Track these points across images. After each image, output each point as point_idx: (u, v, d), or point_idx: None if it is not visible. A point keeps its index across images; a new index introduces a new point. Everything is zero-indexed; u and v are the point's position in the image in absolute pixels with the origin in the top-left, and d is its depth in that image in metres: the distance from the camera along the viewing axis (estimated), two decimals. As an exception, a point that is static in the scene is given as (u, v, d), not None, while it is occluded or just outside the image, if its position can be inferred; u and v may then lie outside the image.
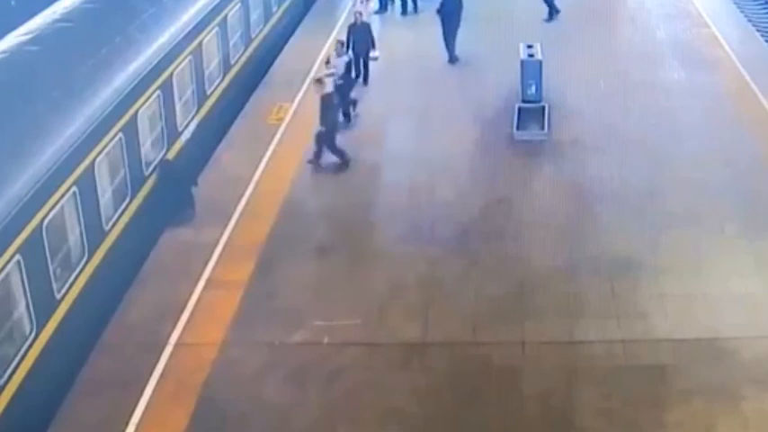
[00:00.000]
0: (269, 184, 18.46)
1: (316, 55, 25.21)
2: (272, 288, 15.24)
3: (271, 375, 13.27)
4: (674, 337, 13.65)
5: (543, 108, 20.82)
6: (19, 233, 12.35)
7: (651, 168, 18.41)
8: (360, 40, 23.21)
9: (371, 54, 23.45)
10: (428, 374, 13.17)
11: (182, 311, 14.65)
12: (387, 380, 13.12)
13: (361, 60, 23.32)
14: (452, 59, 24.69)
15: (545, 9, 27.47)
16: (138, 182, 16.48)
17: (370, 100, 22.43)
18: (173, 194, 17.31)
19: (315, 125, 20.95)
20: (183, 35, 18.85)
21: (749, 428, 11.92)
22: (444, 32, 24.81)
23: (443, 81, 23.49)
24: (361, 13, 23.63)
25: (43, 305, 12.96)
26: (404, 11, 28.74)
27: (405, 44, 26.37)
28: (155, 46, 17.63)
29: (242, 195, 18.01)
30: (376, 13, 28.21)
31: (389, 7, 28.93)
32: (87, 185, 14.41)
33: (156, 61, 17.39)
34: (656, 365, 13.10)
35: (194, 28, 19.54)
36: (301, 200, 17.98)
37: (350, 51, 22.67)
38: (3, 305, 12.17)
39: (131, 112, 16.20)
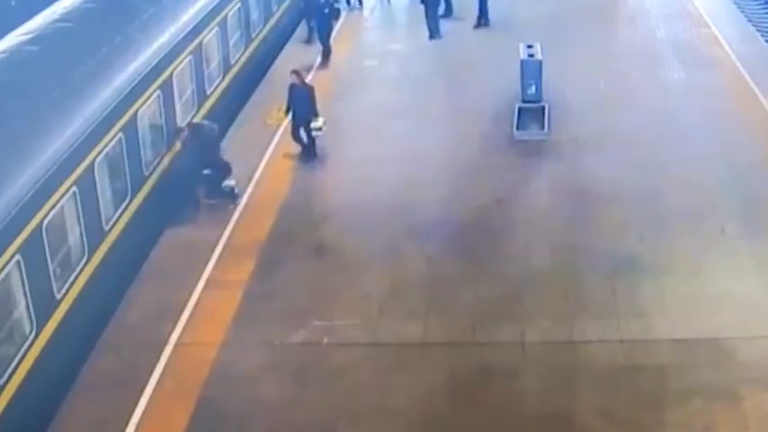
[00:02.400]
0: (269, 184, 18.45)
1: (315, 55, 25.25)
2: (272, 288, 15.24)
3: (271, 375, 13.27)
4: (674, 337, 13.65)
5: (543, 108, 20.82)
6: (19, 233, 12.34)
7: (651, 168, 18.40)
8: (299, 105, 19.34)
9: (313, 124, 19.21)
10: (428, 374, 13.17)
11: (182, 311, 14.65)
12: (387, 380, 13.11)
13: (303, 132, 19.35)
14: (433, 35, 26.31)
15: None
16: (137, 182, 16.47)
17: (370, 99, 22.44)
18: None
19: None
20: (183, 35, 18.84)
21: (749, 428, 11.91)
22: (426, 13, 26.36)
23: (443, 81, 23.49)
24: (298, 72, 19.76)
25: (43, 305, 12.96)
26: (308, 39, 26.32)
27: (403, 45, 26.41)
28: (155, 46, 17.62)
29: (242, 195, 18.00)
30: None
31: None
32: (87, 185, 14.41)
33: (156, 61, 17.39)
34: (656, 365, 13.09)
35: (194, 28, 19.53)
36: (301, 200, 17.98)
37: (289, 116, 19.64)
38: (3, 305, 12.16)
39: (131, 112, 16.20)
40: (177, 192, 17.45)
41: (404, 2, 29.56)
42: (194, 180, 17.82)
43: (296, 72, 19.77)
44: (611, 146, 19.46)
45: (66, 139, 13.97)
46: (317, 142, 19.53)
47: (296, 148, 19.63)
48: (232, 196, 17.74)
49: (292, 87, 19.53)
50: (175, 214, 17.14)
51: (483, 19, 27.23)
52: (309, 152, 19.38)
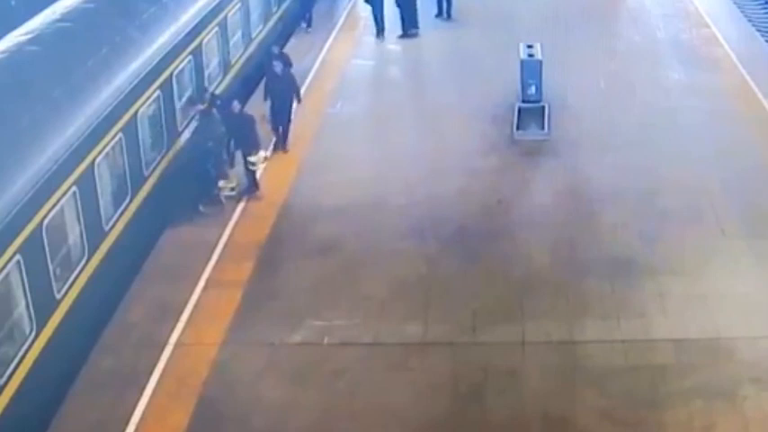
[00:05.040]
0: (269, 184, 18.42)
1: (316, 54, 25.26)
2: (272, 288, 15.24)
3: (271, 375, 13.27)
4: (674, 337, 13.65)
5: (543, 108, 20.81)
6: (19, 233, 12.35)
7: (651, 168, 18.40)
8: (237, 135, 17.94)
9: (251, 158, 17.70)
10: (428, 374, 13.17)
11: (182, 311, 14.65)
12: (387, 380, 13.12)
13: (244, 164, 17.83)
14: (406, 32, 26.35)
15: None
16: (137, 182, 16.47)
17: (370, 100, 22.43)
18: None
19: (315, 125, 21.03)
20: (183, 35, 18.83)
21: (749, 428, 11.92)
22: (402, 12, 26.43)
23: (442, 81, 23.49)
24: (235, 101, 18.29)
25: (43, 305, 12.96)
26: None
27: (403, 45, 26.40)
28: (155, 46, 17.62)
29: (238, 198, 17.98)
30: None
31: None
32: (87, 185, 14.41)
33: (156, 61, 17.39)
34: (656, 365, 13.09)
35: (194, 28, 19.52)
36: (301, 200, 17.96)
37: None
38: (3, 305, 12.17)
39: (131, 112, 16.20)
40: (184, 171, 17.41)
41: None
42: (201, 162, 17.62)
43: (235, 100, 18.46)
44: (611, 146, 19.46)
45: (66, 139, 13.97)
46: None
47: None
48: (221, 201, 17.57)
49: (230, 115, 17.97)
50: (176, 214, 17.14)
51: (412, 28, 26.74)
52: (249, 187, 17.90)
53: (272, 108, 19.71)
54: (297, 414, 12.54)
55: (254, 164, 17.84)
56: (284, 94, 19.79)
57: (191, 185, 17.49)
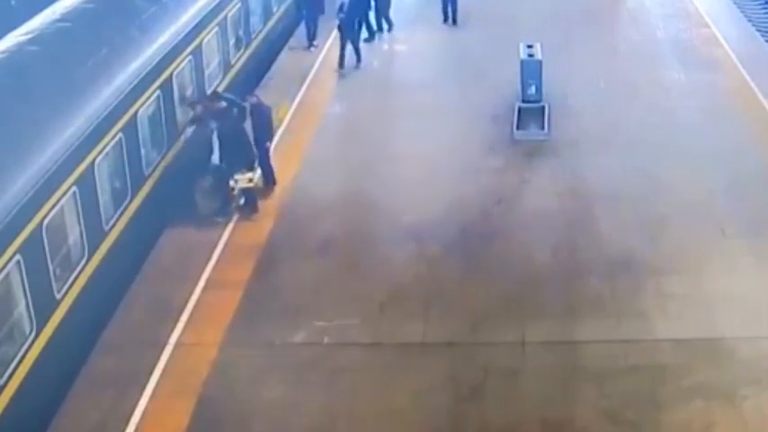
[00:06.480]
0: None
1: (316, 55, 25.27)
2: (272, 288, 15.24)
3: (271, 375, 13.28)
4: (674, 337, 13.65)
5: (543, 108, 20.82)
6: (19, 233, 12.35)
7: (651, 168, 18.40)
8: (232, 150, 17.20)
9: (239, 175, 16.92)
10: (428, 374, 13.17)
11: (182, 311, 14.65)
12: (387, 380, 13.12)
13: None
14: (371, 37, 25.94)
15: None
16: (138, 182, 16.47)
17: (371, 100, 22.42)
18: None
19: (314, 125, 21.02)
20: (183, 35, 18.84)
21: (749, 428, 11.92)
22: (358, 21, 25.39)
23: (443, 82, 23.48)
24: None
25: (43, 305, 12.97)
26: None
27: (405, 46, 26.40)
28: (155, 46, 17.62)
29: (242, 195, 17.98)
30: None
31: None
32: (87, 185, 14.41)
33: (156, 61, 17.39)
34: (656, 365, 13.09)
35: (194, 28, 19.53)
36: (301, 200, 17.96)
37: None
38: (3, 305, 12.17)
39: (131, 112, 16.20)
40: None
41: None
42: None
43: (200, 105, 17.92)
44: (610, 145, 19.47)
45: (66, 139, 13.97)
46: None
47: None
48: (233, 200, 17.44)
49: (222, 125, 17.30)
50: (176, 214, 17.14)
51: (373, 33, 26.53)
52: (251, 205, 17.23)
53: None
54: (297, 414, 12.54)
55: (236, 182, 16.93)
56: (257, 127, 18.26)
57: (198, 185, 17.47)
